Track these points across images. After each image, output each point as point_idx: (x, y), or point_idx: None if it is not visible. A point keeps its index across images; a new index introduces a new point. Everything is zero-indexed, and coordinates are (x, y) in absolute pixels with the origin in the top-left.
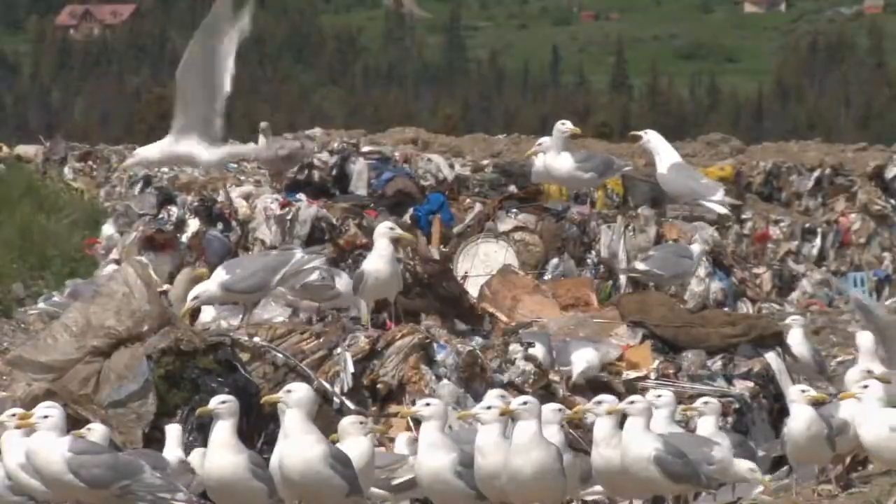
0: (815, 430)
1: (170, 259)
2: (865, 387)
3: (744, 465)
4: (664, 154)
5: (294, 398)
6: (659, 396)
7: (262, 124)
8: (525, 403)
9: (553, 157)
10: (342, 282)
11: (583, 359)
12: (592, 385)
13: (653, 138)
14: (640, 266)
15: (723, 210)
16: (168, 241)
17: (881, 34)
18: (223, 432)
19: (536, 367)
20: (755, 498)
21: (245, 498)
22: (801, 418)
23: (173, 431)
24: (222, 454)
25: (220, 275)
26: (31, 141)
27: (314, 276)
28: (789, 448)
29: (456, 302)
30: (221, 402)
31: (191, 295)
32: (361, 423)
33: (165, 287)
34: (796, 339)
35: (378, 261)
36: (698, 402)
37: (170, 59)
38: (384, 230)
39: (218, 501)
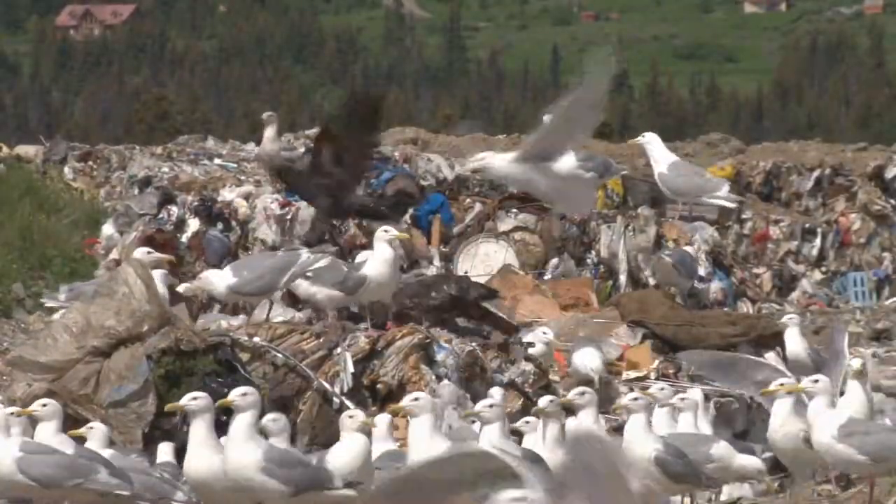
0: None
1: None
2: (816, 381)
3: (749, 463)
4: (660, 156)
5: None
6: (662, 389)
7: (266, 114)
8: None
9: None
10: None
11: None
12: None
13: (651, 140)
14: (666, 258)
15: (730, 204)
16: (168, 241)
17: (881, 34)
18: (241, 427)
19: (536, 367)
20: (755, 498)
21: (263, 492)
22: (778, 414)
23: (166, 448)
24: (240, 448)
25: (227, 277)
26: (31, 141)
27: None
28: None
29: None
30: (242, 395)
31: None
32: (351, 416)
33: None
34: (792, 339)
35: (381, 265)
36: (675, 398)
37: (169, 59)
38: (382, 234)
39: (234, 496)
